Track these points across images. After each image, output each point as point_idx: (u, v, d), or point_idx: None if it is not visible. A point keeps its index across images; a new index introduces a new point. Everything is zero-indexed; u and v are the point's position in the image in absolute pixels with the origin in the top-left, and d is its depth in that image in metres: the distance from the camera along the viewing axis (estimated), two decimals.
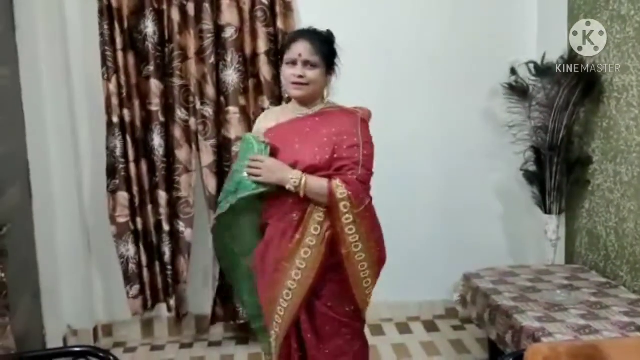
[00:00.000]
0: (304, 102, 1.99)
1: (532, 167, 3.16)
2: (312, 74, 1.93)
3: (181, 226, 3.15)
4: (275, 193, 1.92)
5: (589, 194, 3.04)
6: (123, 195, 3.08)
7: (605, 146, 2.90)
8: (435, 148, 3.40)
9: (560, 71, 2.95)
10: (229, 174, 2.18)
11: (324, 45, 1.96)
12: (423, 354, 3.09)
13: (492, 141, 3.37)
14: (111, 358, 1.79)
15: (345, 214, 1.86)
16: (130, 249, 3.13)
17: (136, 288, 3.16)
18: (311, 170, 1.89)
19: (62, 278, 3.12)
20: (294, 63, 1.93)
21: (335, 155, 1.90)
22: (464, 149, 3.41)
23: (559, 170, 3.04)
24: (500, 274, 2.89)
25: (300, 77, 1.93)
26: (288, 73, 1.94)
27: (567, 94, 2.93)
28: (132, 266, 3.14)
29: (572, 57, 3.01)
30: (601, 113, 2.92)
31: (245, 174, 1.92)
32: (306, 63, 1.92)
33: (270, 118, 2.08)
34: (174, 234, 3.18)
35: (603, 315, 2.35)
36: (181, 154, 3.12)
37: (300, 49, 1.92)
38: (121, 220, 3.10)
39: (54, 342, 3.00)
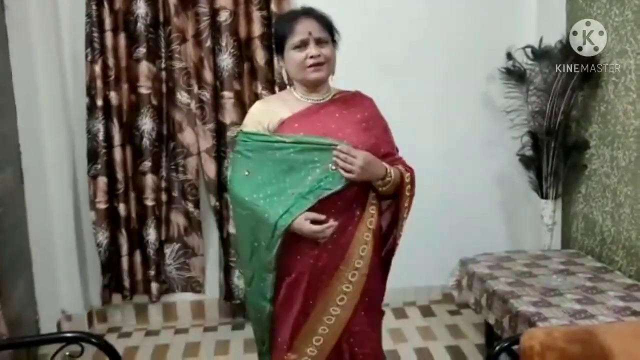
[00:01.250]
0: (316, 86, 1.85)
1: (529, 152, 3.15)
2: (327, 51, 1.80)
3: (190, 207, 3.16)
4: (349, 186, 1.79)
5: (586, 178, 3.02)
6: (104, 181, 3.05)
7: (602, 131, 2.88)
8: (433, 133, 3.38)
9: (559, 54, 2.92)
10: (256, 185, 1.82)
11: (325, 20, 1.85)
12: (419, 339, 3.09)
13: (490, 126, 3.35)
14: (104, 344, 1.77)
15: (408, 198, 1.87)
16: (108, 237, 3.11)
17: (109, 276, 3.18)
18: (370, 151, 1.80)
19: (56, 263, 3.10)
20: (304, 44, 1.78)
21: (378, 140, 1.85)
22: (461, 134, 3.39)
23: (555, 155, 3.02)
24: (496, 259, 2.89)
25: (318, 56, 1.78)
26: (299, 57, 1.78)
27: (565, 78, 2.90)
28: (108, 254, 3.13)
29: (570, 41, 2.98)
30: (599, 97, 2.89)
31: (333, 167, 1.75)
32: (319, 41, 1.79)
33: (276, 108, 1.86)
34: (184, 214, 3.21)
35: (599, 299, 2.34)
36: (184, 137, 3.10)
37: (309, 27, 1.78)
38: (101, 206, 3.07)
39: (47, 327, 2.99)
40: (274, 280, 1.80)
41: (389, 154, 1.89)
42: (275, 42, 1.87)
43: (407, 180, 1.85)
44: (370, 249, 1.85)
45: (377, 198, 1.89)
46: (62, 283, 3.14)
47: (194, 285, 3.30)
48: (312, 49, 1.77)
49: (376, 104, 1.95)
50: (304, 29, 1.78)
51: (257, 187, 1.79)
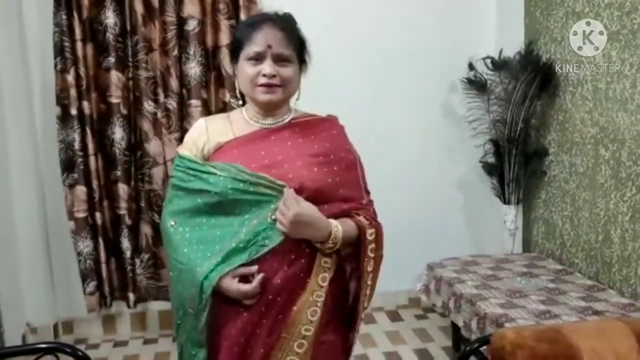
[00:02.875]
0: (270, 109, 1.53)
1: (491, 159, 3.26)
2: (286, 71, 1.48)
3: (156, 218, 3.13)
4: (289, 242, 1.44)
5: (546, 184, 3.15)
6: (82, 190, 3.02)
7: (560, 138, 3.01)
8: (397, 142, 3.45)
9: (518, 65, 3.04)
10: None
11: (295, 34, 1.53)
12: (388, 343, 3.15)
13: (453, 135, 3.45)
14: (79, 353, 1.76)
15: (372, 261, 1.51)
16: (88, 245, 3.08)
17: (93, 284, 3.12)
18: (318, 199, 1.45)
19: (21, 274, 3.04)
20: (259, 58, 1.47)
21: (337, 179, 1.50)
22: (424, 143, 3.47)
23: (517, 162, 3.13)
24: (462, 263, 2.97)
25: (273, 76, 1.47)
26: (250, 72, 1.47)
27: (524, 88, 3.02)
28: (89, 262, 3.10)
29: (528, 52, 3.11)
30: (557, 106, 3.02)
31: (272, 217, 1.42)
32: (279, 57, 1.47)
33: (219, 129, 1.55)
34: (151, 224, 3.16)
35: (562, 300, 2.44)
36: (150, 147, 3.08)
37: (270, 38, 1.46)
38: (79, 215, 3.04)
39: (12, 340, 2.92)
40: (205, 357, 1.47)
41: (351, 198, 1.52)
42: (232, 49, 1.56)
43: (370, 237, 1.49)
44: (322, 313, 1.45)
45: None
46: (27, 295, 3.08)
47: (165, 294, 3.28)
48: (266, 66, 1.46)
49: (347, 133, 1.62)
50: (263, 39, 1.47)
51: (185, 239, 1.48)
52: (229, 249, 1.43)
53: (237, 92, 1.59)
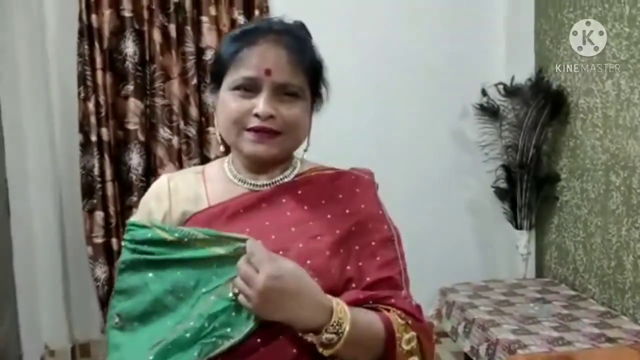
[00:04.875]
0: (263, 165, 1.09)
1: (503, 185, 3.29)
2: (292, 111, 1.04)
3: None
4: (264, 332, 0.94)
5: (558, 210, 3.17)
6: (100, 215, 3.09)
7: (572, 164, 3.03)
8: (409, 168, 3.48)
9: (529, 92, 3.08)
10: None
11: (309, 54, 1.08)
12: None
13: (465, 160, 3.48)
14: None
15: None
16: (106, 271, 3.13)
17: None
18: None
19: (40, 297, 3.09)
20: (249, 89, 1.03)
21: (360, 264, 1.02)
22: (437, 168, 3.51)
23: (528, 188, 3.16)
24: (474, 288, 2.99)
25: (270, 117, 1.02)
26: (236, 108, 1.03)
27: (535, 114, 3.06)
28: (107, 288, 3.14)
29: (539, 79, 3.16)
30: (568, 133, 3.06)
31: (234, 292, 0.94)
32: (280, 89, 1.03)
33: (184, 192, 1.11)
34: None
35: (574, 327, 2.45)
36: (165, 172, 3.14)
37: (268, 60, 1.02)
38: (97, 240, 3.10)
39: None
40: None
41: (379, 281, 1.02)
42: (212, 72, 1.13)
43: (408, 345, 0.96)
44: None
45: None
46: (45, 318, 3.13)
47: None
48: (260, 102, 1.02)
49: (377, 189, 1.16)
50: (258, 60, 1.02)
51: (134, 337, 1.01)
52: (168, 341, 0.95)
53: (217, 135, 1.11)
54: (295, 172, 1.12)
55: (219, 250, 0.99)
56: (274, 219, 1.05)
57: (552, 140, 3.18)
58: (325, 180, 1.11)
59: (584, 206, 2.94)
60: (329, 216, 1.06)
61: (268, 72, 1.02)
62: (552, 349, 2.24)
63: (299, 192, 1.09)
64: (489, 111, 3.26)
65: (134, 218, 1.11)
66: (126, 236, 1.08)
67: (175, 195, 1.11)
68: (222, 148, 1.16)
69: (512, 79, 3.21)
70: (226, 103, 1.05)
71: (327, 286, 0.95)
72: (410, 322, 0.98)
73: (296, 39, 1.06)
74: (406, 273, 1.08)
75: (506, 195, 3.27)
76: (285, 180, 1.10)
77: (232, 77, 1.05)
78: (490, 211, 3.51)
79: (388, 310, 0.98)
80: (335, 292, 0.96)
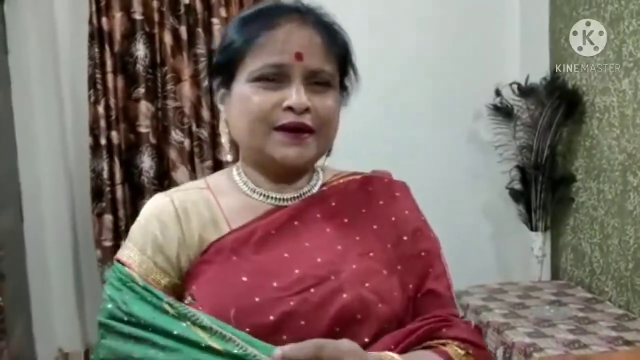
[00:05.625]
0: (291, 173, 0.94)
1: (517, 186, 3.24)
2: (327, 103, 0.90)
3: None
4: None
5: (574, 211, 3.12)
6: (109, 219, 3.09)
7: (588, 165, 2.99)
8: (422, 169, 3.43)
9: (544, 91, 3.04)
10: None
11: (339, 37, 0.95)
12: None
13: (479, 161, 3.44)
14: None
15: None
16: None
17: None
18: (394, 324, 0.87)
19: (54, 301, 3.11)
20: (275, 79, 0.88)
21: (416, 281, 0.93)
22: (451, 169, 3.47)
23: (543, 189, 3.12)
24: (489, 291, 2.95)
25: (305, 110, 0.87)
26: (262, 103, 0.87)
27: (550, 114, 3.02)
28: None
29: (554, 78, 3.11)
30: (583, 132, 3.01)
31: None
32: (312, 76, 0.88)
33: (197, 214, 0.92)
34: None
35: (591, 330, 2.41)
36: (177, 175, 3.15)
37: (299, 42, 0.88)
38: (107, 244, 3.10)
39: None
40: None
41: (431, 294, 0.94)
42: (219, 63, 0.94)
43: None
44: None
45: None
46: (59, 321, 3.14)
47: None
48: (294, 93, 0.86)
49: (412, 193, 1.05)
50: (287, 44, 0.87)
51: None
52: None
53: (225, 140, 0.97)
54: (320, 181, 0.97)
55: (235, 351, 0.76)
56: (313, 238, 0.89)
57: (568, 140, 3.13)
58: (356, 186, 0.98)
59: (600, 207, 2.89)
60: (375, 227, 0.94)
61: (299, 57, 0.86)
62: (569, 352, 2.20)
63: (333, 203, 0.94)
64: (503, 111, 3.22)
65: (129, 253, 0.89)
66: (113, 281, 0.88)
67: (185, 219, 0.90)
68: (229, 157, 1.02)
69: (527, 78, 3.17)
70: (246, 98, 0.88)
71: (393, 312, 0.86)
72: (470, 351, 0.89)
73: (325, 19, 0.93)
74: (451, 286, 0.99)
75: (521, 196, 3.23)
76: (313, 191, 0.95)
77: (251, 67, 0.87)
78: (504, 213, 3.47)
79: (446, 341, 0.88)
80: (400, 317, 0.87)
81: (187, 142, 3.14)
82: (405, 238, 0.95)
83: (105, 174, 3.06)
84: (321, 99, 0.89)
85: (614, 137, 2.76)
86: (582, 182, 3.04)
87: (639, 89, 2.58)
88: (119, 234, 3.12)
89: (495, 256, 3.60)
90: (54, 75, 3.07)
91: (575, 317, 2.55)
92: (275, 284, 0.83)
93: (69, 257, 3.15)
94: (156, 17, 3.04)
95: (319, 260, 0.87)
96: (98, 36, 2.99)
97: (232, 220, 0.91)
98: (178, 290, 0.90)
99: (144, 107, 3.10)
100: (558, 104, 3.00)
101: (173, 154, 3.15)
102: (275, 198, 0.94)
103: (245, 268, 0.86)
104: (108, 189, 3.07)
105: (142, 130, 3.12)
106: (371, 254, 0.90)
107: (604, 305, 2.70)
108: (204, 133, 3.13)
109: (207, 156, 3.14)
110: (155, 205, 0.93)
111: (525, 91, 3.14)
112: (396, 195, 1.00)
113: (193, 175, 3.17)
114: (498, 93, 3.23)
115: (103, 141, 3.04)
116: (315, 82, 0.89)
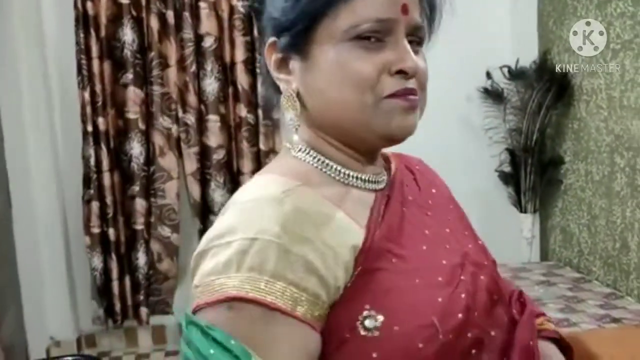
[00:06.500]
0: (379, 149, 0.85)
1: (507, 169, 3.27)
2: (425, 66, 0.81)
3: (167, 231, 3.17)
4: None
5: (562, 193, 3.15)
6: (97, 205, 3.07)
7: (576, 147, 3.01)
8: (414, 151, 3.45)
9: (534, 75, 3.06)
10: None
11: None
12: None
13: (469, 144, 3.45)
14: None
15: None
16: (104, 260, 3.12)
17: (106, 299, 3.16)
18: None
19: (44, 289, 3.09)
20: (379, 37, 0.73)
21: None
22: (441, 153, 3.46)
23: (533, 171, 3.14)
24: None
25: (415, 74, 0.76)
26: (369, 67, 0.73)
27: (540, 97, 3.04)
28: (104, 278, 3.13)
29: (543, 61, 3.13)
30: (572, 115, 3.03)
31: None
32: (412, 33, 0.77)
33: (322, 222, 0.70)
34: (160, 240, 3.19)
35: (580, 308, 2.45)
36: (164, 161, 3.13)
37: None
38: (95, 230, 3.09)
39: (36, 354, 2.98)
40: None
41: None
42: (290, 21, 0.75)
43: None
44: None
45: None
46: (50, 309, 3.13)
47: (163, 308, 3.31)
48: (404, 54, 0.74)
49: None
50: None
51: None
52: None
53: (295, 117, 0.78)
54: (381, 158, 0.86)
55: None
56: (426, 225, 0.80)
57: (556, 123, 3.15)
58: (404, 166, 0.90)
59: (588, 188, 2.92)
60: (451, 206, 0.90)
61: (405, 10, 0.73)
62: (558, 331, 2.23)
63: (406, 185, 0.85)
64: (494, 94, 3.23)
65: (262, 285, 0.64)
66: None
67: (315, 229, 0.68)
68: (295, 139, 0.78)
69: (517, 61, 3.18)
70: (344, 63, 0.72)
71: (505, 284, 0.85)
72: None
73: None
74: None
75: (510, 179, 3.25)
76: (395, 167, 0.87)
77: (345, 23, 0.71)
78: (494, 195, 3.49)
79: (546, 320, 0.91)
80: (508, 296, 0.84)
81: (174, 128, 3.12)
82: (451, 207, 0.92)
83: (92, 161, 3.03)
84: (419, 60, 0.77)
85: (602, 119, 2.79)
86: (571, 164, 3.06)
87: (626, 71, 2.60)
88: (107, 221, 3.11)
89: (486, 238, 3.52)
90: (40, 61, 3.02)
91: (564, 297, 2.58)
92: (440, 279, 0.73)
93: (59, 245, 3.13)
94: (143, 1, 3.01)
95: (447, 247, 0.80)
96: (83, 21, 2.96)
97: (356, 219, 0.74)
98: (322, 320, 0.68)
99: (133, 92, 3.07)
100: (547, 87, 3.02)
101: (160, 140, 3.13)
102: (374, 181, 0.80)
103: (407, 268, 0.73)
104: (95, 176, 3.05)
105: (131, 116, 3.09)
106: (466, 233, 0.88)
107: (592, 285, 2.74)
108: (191, 118, 3.12)
109: (194, 142, 3.13)
110: (277, 212, 0.67)
111: (516, 74, 3.15)
112: (430, 169, 0.97)
113: (180, 162, 3.16)
114: (489, 76, 3.24)
115: (90, 128, 3.02)
116: (411, 40, 0.76)
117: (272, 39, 0.77)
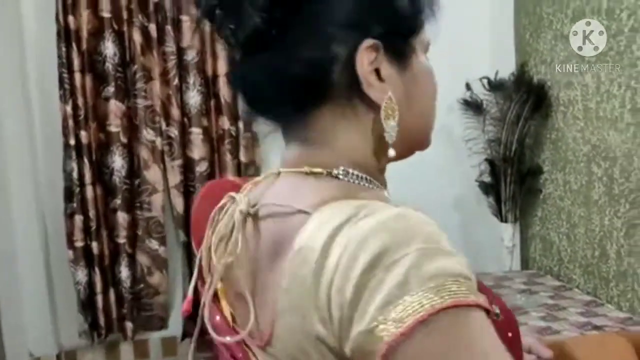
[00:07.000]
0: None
1: (487, 179, 3.31)
2: None
3: (154, 244, 3.15)
4: None
5: (541, 202, 3.20)
6: (80, 219, 3.05)
7: (554, 157, 3.07)
8: (396, 163, 3.50)
9: (512, 86, 3.11)
10: None
11: None
12: None
13: (449, 155, 3.49)
14: None
15: None
16: (87, 274, 3.09)
17: (90, 314, 3.13)
18: None
19: (24, 303, 3.05)
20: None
21: None
22: (421, 164, 3.50)
23: (512, 181, 3.19)
24: None
25: None
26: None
27: (518, 108, 3.09)
28: (88, 292, 3.10)
29: (520, 73, 3.19)
30: (549, 126, 3.09)
31: None
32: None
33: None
34: (148, 253, 3.17)
35: (561, 316, 2.48)
36: (149, 174, 3.12)
37: None
38: (78, 244, 3.06)
39: None
40: None
41: None
42: (408, 24, 0.76)
43: None
44: None
45: None
46: (30, 324, 3.08)
47: (157, 324, 3.29)
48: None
49: None
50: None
51: None
52: None
53: (392, 132, 0.74)
54: None
55: None
56: None
57: (535, 133, 3.21)
58: None
59: (566, 197, 2.97)
60: None
61: None
62: (541, 339, 2.26)
63: None
64: (473, 105, 3.28)
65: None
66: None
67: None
68: (392, 152, 0.76)
69: (497, 73, 3.24)
70: (430, 73, 0.77)
71: None
72: None
73: None
74: None
75: (490, 189, 3.29)
76: None
77: (428, 34, 0.78)
78: (475, 205, 3.53)
79: None
80: None
81: (158, 141, 3.12)
82: None
83: (75, 175, 3.01)
84: None
85: (578, 129, 2.84)
86: (549, 174, 3.12)
87: (602, 82, 2.66)
88: (90, 234, 3.08)
89: (467, 248, 3.65)
90: (20, 75, 3.01)
91: (545, 305, 2.62)
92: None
93: (39, 259, 3.09)
94: (125, 14, 3.01)
95: None
96: (65, 34, 2.95)
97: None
98: None
99: (114, 106, 3.07)
100: (525, 98, 3.08)
101: (145, 153, 3.13)
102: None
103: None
104: (78, 189, 3.03)
105: (113, 129, 3.08)
106: None
107: (573, 293, 2.78)
108: (175, 131, 3.12)
109: (177, 155, 3.13)
110: (435, 233, 0.63)
111: (495, 86, 3.21)
112: None
113: (164, 174, 3.15)
114: (468, 87, 3.29)
115: (72, 141, 3.00)
116: None
117: (371, 41, 0.70)
